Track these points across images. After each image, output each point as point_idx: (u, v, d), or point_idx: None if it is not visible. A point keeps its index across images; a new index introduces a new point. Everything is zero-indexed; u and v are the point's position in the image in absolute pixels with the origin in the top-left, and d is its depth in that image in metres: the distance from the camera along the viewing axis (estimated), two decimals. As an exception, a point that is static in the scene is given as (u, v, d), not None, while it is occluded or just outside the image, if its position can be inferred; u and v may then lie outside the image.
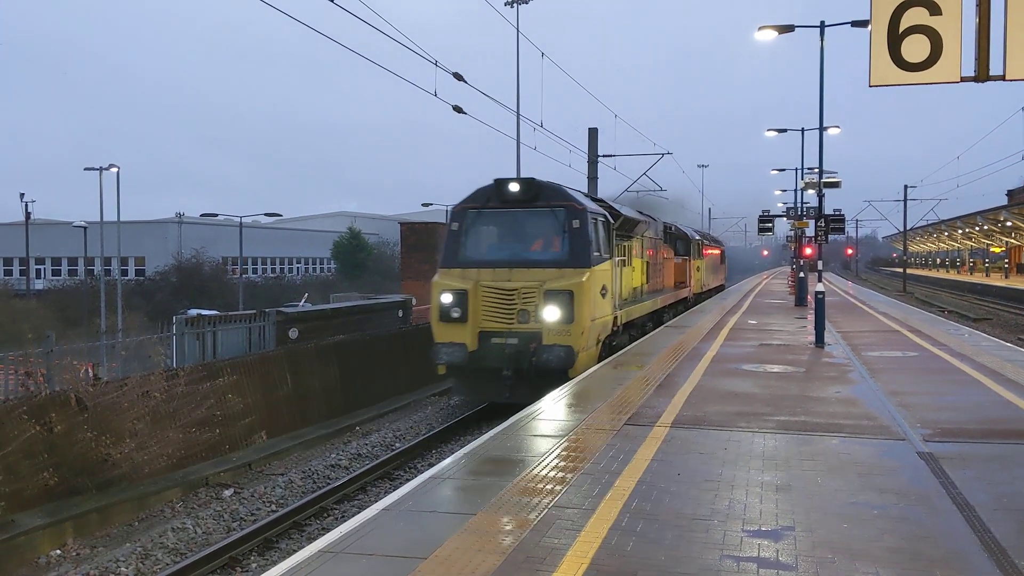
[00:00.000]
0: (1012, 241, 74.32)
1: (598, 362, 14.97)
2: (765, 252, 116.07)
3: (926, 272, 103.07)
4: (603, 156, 32.45)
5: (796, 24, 20.69)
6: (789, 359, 15.23)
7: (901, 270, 77.58)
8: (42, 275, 70.36)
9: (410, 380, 20.10)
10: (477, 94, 20.99)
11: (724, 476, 7.19)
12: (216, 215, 58.29)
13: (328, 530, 8.67)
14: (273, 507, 11.48)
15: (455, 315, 14.78)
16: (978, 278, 73.66)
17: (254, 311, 19.36)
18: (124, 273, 55.20)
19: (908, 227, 74.09)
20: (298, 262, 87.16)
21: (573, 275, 14.61)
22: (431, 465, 11.31)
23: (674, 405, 10.40)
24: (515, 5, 30.75)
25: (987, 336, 20.99)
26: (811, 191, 23.12)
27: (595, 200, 17.52)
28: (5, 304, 43.10)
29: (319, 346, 17.50)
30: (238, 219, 53.20)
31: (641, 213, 23.22)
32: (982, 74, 6.86)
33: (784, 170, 45.23)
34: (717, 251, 46.66)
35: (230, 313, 20.32)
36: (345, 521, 6.22)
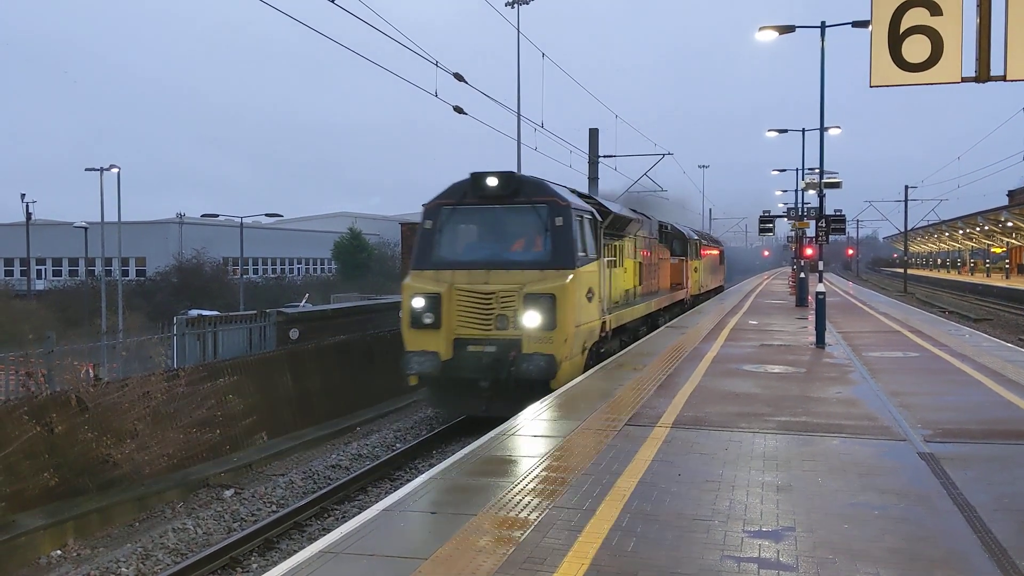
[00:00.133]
0: (1013, 241, 74.30)
1: (584, 371, 13.87)
2: (766, 252, 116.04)
3: (927, 272, 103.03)
4: (604, 156, 32.45)
5: (797, 24, 20.70)
6: (790, 359, 15.23)
7: (902, 270, 77.58)
8: (43, 275, 70.37)
9: (411, 380, 20.07)
10: (478, 94, 21.00)
11: (725, 476, 7.19)
12: (217, 215, 58.29)
13: (329, 530, 8.67)
14: (274, 507, 11.48)
15: (427, 321, 13.54)
16: (979, 278, 73.62)
17: (255, 311, 19.37)
18: (125, 273, 55.20)
19: (909, 227, 74.08)
20: (299, 262, 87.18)
21: (556, 277, 13.44)
22: (431, 466, 11.31)
23: (675, 405, 10.40)
24: (515, 5, 30.76)
25: (988, 336, 20.99)
26: (812, 191, 23.14)
27: (582, 196, 16.41)
28: (6, 304, 43.12)
29: (320, 346, 17.50)
30: (239, 219, 53.20)
31: (634, 211, 22.13)
32: (983, 74, 6.86)
33: (785, 170, 45.27)
34: (716, 251, 45.55)
35: (231, 314, 20.33)
36: (346, 521, 6.22)
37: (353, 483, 12.09)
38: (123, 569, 9.32)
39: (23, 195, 55.97)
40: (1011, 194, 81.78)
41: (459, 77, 19.68)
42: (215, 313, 24.16)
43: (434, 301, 13.56)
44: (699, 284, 34.66)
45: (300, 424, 15.72)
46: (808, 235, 29.13)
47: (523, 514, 6.12)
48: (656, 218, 26.09)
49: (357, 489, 12.02)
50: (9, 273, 70.91)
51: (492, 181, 14.11)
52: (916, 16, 6.80)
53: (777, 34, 20.93)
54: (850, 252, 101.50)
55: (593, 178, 31.87)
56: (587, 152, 31.93)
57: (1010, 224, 62.38)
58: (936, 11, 6.75)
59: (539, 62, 26.88)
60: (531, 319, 13.20)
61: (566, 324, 13.25)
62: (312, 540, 9.30)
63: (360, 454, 14.39)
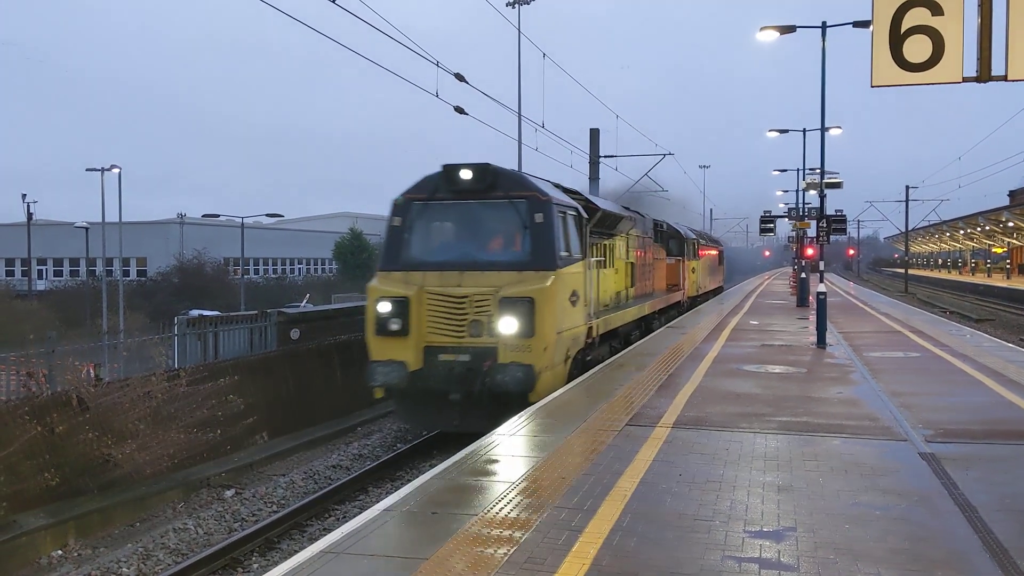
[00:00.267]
0: (1014, 242, 74.29)
1: (568, 381, 12.91)
2: (767, 253, 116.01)
3: (928, 273, 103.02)
4: (605, 157, 32.46)
5: (798, 25, 20.69)
6: (791, 360, 15.22)
7: (903, 271, 77.56)
8: (44, 276, 70.42)
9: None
10: (479, 95, 21.00)
11: (726, 477, 7.18)
12: (217, 216, 58.34)
13: (330, 530, 8.67)
14: (275, 507, 11.48)
15: (394, 327, 12.34)
16: (980, 279, 73.60)
17: (256, 312, 19.37)
18: (126, 274, 55.22)
19: (910, 228, 74.08)
20: (300, 263, 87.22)
21: (535, 279, 12.24)
22: (432, 466, 11.29)
23: (676, 406, 10.40)
24: (516, 5, 30.78)
25: (989, 337, 20.98)
26: (813, 192, 23.13)
27: (568, 192, 15.24)
28: (7, 305, 43.14)
29: (321, 347, 17.50)
30: (239, 220, 53.23)
31: (627, 209, 21.08)
32: (984, 74, 6.86)
33: (786, 171, 45.26)
34: (715, 251, 44.40)
35: (232, 314, 20.33)
36: (347, 522, 6.22)
37: (354, 483, 12.09)
38: (124, 569, 9.32)
39: (24, 195, 56.11)
40: (1012, 194, 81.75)
41: (460, 77, 19.68)
42: (216, 313, 24.18)
43: (402, 306, 12.39)
44: (697, 285, 33.50)
45: (301, 424, 15.72)
46: (809, 235, 29.13)
47: (524, 514, 6.12)
48: (651, 216, 25.21)
49: (357, 489, 12.02)
50: (10, 273, 70.98)
51: (466, 174, 12.88)
52: (917, 16, 6.80)
53: (778, 34, 20.91)
54: (851, 252, 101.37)
55: (594, 178, 31.87)
56: (588, 152, 31.94)
57: (1011, 224, 62.38)
58: (937, 11, 6.75)
59: (540, 62, 26.89)
60: (507, 325, 12.01)
61: (546, 331, 12.08)
62: (313, 540, 9.30)
63: (361, 454, 14.39)
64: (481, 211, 13.16)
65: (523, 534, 5.70)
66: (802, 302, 31.56)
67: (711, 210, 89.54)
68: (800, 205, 37.54)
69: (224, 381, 13.80)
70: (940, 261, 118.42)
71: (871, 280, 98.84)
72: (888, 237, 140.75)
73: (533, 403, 10.73)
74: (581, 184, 28.82)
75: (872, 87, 7.03)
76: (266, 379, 15.25)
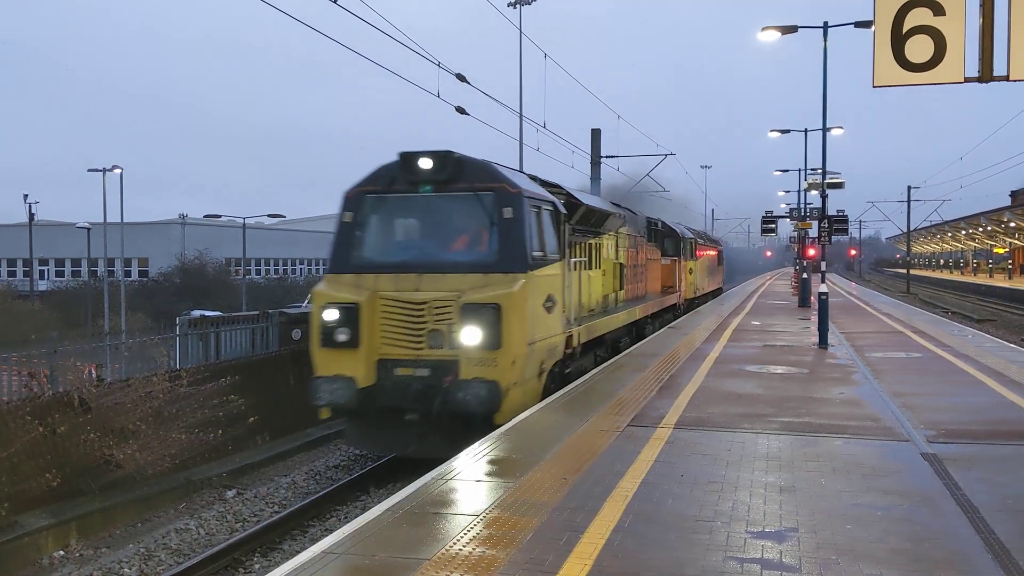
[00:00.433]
0: (1015, 242, 74.24)
1: (544, 397, 11.54)
2: (768, 253, 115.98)
3: (929, 273, 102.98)
4: (606, 157, 32.47)
5: (799, 25, 20.69)
6: (792, 360, 15.22)
7: (904, 271, 77.53)
8: (45, 276, 70.49)
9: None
10: (480, 95, 21.00)
11: (727, 477, 7.18)
12: (219, 216, 58.39)
13: (331, 531, 8.67)
14: (276, 508, 11.48)
15: (342, 338, 10.91)
16: (982, 279, 73.55)
17: (257, 312, 19.37)
18: (127, 274, 55.27)
19: (911, 228, 74.04)
20: (301, 263, 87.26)
21: (502, 283, 10.81)
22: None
23: (677, 406, 10.40)
24: (518, 6, 30.78)
25: (991, 337, 20.98)
26: (814, 192, 23.13)
27: (546, 185, 13.78)
28: (8, 305, 43.17)
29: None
30: (241, 220, 53.27)
31: (617, 205, 19.82)
32: (986, 75, 6.85)
33: (787, 171, 45.25)
34: (714, 252, 43.05)
35: (233, 314, 20.33)
36: (348, 522, 6.23)
37: (355, 483, 12.08)
38: (126, 570, 9.33)
39: (26, 196, 56.18)
40: (1014, 194, 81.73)
41: (461, 78, 19.68)
42: (218, 314, 24.19)
43: (351, 313, 10.94)
44: (694, 287, 32.21)
45: (303, 424, 15.72)
46: (811, 235, 29.12)
47: (525, 514, 6.12)
48: (644, 214, 24.07)
49: (359, 490, 12.02)
50: (12, 274, 71.08)
51: (426, 163, 11.41)
52: (919, 16, 6.80)
53: (780, 34, 20.92)
54: (852, 253, 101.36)
55: (595, 178, 31.88)
56: (589, 152, 31.94)
57: (1013, 224, 62.35)
58: (939, 11, 6.74)
59: (541, 62, 26.90)
60: (469, 336, 10.55)
61: (514, 342, 10.62)
62: (315, 541, 9.30)
63: (363, 454, 14.39)
64: (443, 205, 11.72)
65: (525, 534, 5.70)
66: (804, 302, 31.55)
67: (713, 210, 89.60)
68: (802, 205, 37.56)
69: (226, 381, 13.81)
70: (942, 261, 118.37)
71: (873, 280, 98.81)
72: (890, 237, 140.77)
73: (500, 425, 9.59)
74: (583, 184, 28.84)
75: (874, 87, 7.02)
76: (268, 379, 15.26)
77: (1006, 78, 6.80)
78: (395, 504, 6.45)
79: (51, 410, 10.83)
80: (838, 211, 22.19)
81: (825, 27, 20.66)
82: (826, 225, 20.41)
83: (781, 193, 57.93)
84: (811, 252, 27.70)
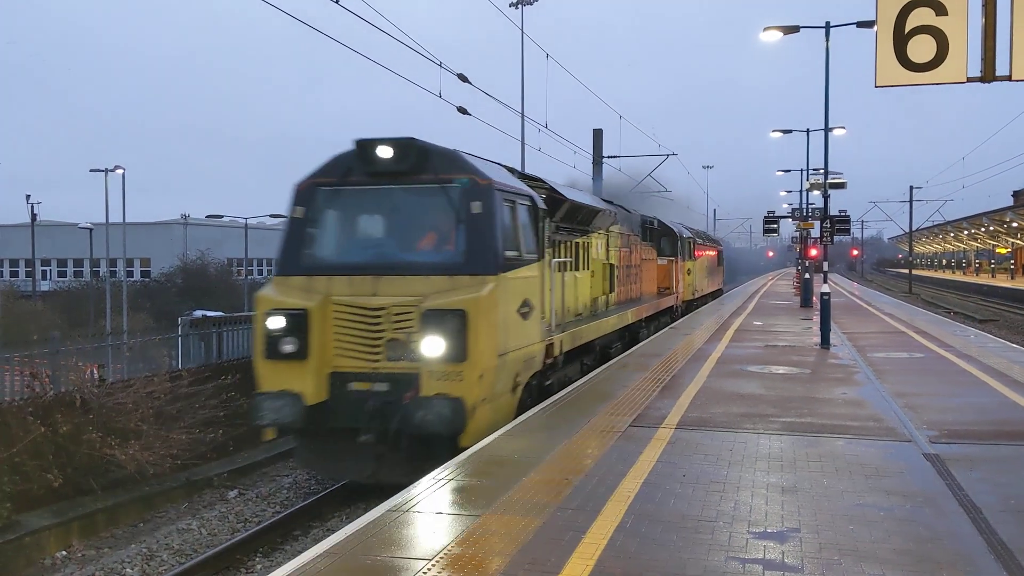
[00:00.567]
0: (1017, 242, 74.17)
1: (520, 413, 10.41)
2: (770, 253, 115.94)
3: (932, 273, 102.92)
4: (608, 157, 32.51)
5: (801, 25, 20.69)
6: (795, 360, 15.21)
7: (907, 271, 77.49)
8: (48, 276, 70.61)
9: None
10: (482, 95, 20.99)
11: (730, 478, 7.18)
12: (221, 216, 58.44)
13: (333, 531, 8.67)
14: (278, 508, 11.48)
15: (288, 349, 9.72)
16: (984, 279, 73.49)
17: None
18: (129, 274, 55.35)
19: (914, 228, 74.00)
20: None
21: (469, 286, 9.67)
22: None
23: (679, 407, 10.39)
24: (519, 6, 30.78)
25: (993, 337, 20.95)
26: (816, 192, 23.14)
27: (526, 178, 12.57)
28: (11, 305, 43.23)
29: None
30: (243, 220, 53.31)
31: (608, 202, 18.76)
32: (988, 74, 6.84)
33: (789, 171, 45.27)
34: (713, 252, 41.96)
35: (235, 314, 20.32)
36: (350, 522, 6.23)
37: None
38: (128, 570, 9.33)
39: (28, 196, 56.25)
40: (1016, 194, 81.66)
41: (463, 78, 19.68)
42: (220, 314, 24.21)
43: (299, 321, 9.78)
44: (693, 288, 31.14)
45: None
46: (813, 236, 29.11)
47: (527, 515, 6.12)
48: (639, 212, 23.06)
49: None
50: (15, 274, 71.20)
51: (385, 152, 10.24)
52: (921, 16, 6.79)
53: (782, 34, 20.93)
54: (855, 253, 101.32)
55: (597, 179, 31.90)
56: (591, 153, 31.95)
57: (1015, 224, 62.29)
58: (941, 11, 6.74)
59: (543, 63, 26.90)
60: (431, 347, 9.37)
61: (482, 353, 9.45)
62: (317, 541, 9.30)
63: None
64: (404, 199, 10.54)
65: (527, 535, 5.70)
66: (806, 303, 31.53)
67: (715, 210, 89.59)
68: (804, 205, 37.56)
69: (227, 381, 13.81)
70: (944, 261, 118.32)
71: (875, 281, 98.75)
72: (892, 237, 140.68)
73: (466, 448, 8.61)
74: (585, 184, 28.82)
75: (876, 87, 7.02)
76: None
77: (1008, 78, 6.79)
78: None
79: (53, 410, 10.84)
80: (840, 211, 22.27)
81: (827, 27, 20.67)
82: (828, 225, 20.43)
83: (783, 193, 57.99)
84: (813, 252, 27.70)
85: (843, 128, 34.64)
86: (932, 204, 79.89)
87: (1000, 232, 71.20)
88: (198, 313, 25.75)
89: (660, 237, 25.31)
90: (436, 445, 9.29)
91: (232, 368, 14.45)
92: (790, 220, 37.08)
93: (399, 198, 10.57)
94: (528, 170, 22.52)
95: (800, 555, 5.35)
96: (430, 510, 6.35)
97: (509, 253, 10.35)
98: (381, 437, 9.58)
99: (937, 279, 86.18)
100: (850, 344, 18.12)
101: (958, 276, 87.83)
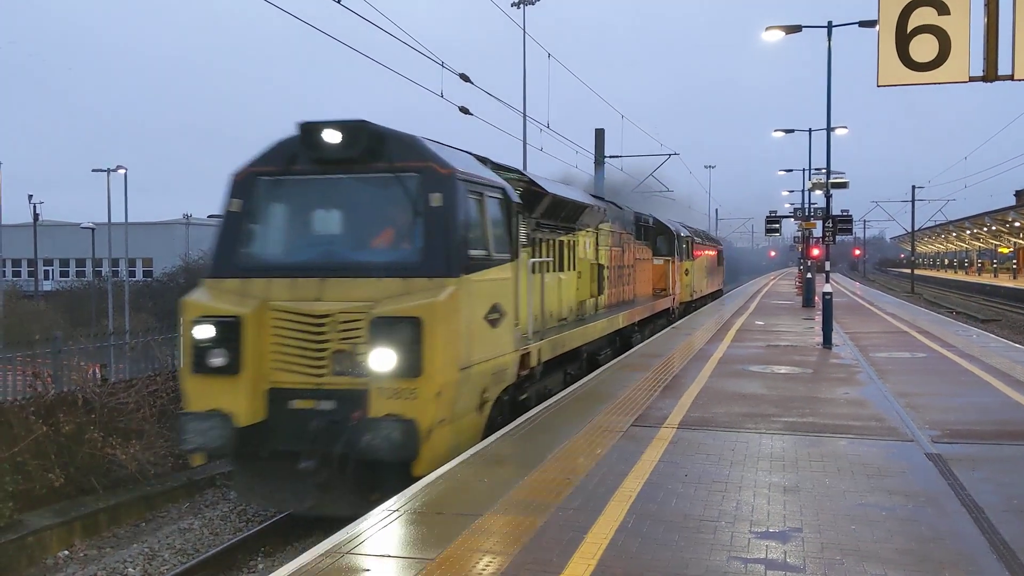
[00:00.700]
0: (1020, 242, 74.08)
1: (489, 433, 9.27)
2: (772, 253, 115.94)
3: (934, 273, 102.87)
4: (610, 157, 32.49)
5: (803, 24, 20.67)
6: (797, 360, 15.20)
7: (909, 271, 77.45)
8: (50, 276, 70.69)
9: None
10: (483, 95, 20.99)
11: (731, 477, 7.17)
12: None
13: (335, 530, 8.68)
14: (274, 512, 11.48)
15: (218, 362, 8.53)
16: (986, 279, 73.43)
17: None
18: (131, 274, 55.38)
19: (916, 228, 73.96)
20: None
21: (425, 290, 8.41)
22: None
23: (681, 406, 10.39)
24: (521, 6, 30.78)
25: (995, 337, 20.93)
26: (819, 192, 23.14)
27: (500, 169, 11.36)
28: (14, 305, 43.30)
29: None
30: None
31: (598, 198, 17.64)
32: (991, 74, 6.84)
33: (791, 171, 45.21)
34: (713, 251, 40.71)
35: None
36: (352, 522, 6.23)
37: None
38: (130, 570, 9.34)
39: (30, 196, 56.33)
40: (1018, 194, 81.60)
41: (465, 78, 19.68)
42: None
43: (231, 329, 8.55)
44: (691, 289, 30.00)
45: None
46: (815, 235, 29.10)
47: (529, 515, 6.12)
48: (632, 209, 21.88)
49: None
50: (17, 274, 71.22)
51: (333, 136, 9.03)
52: (924, 15, 6.79)
53: (784, 34, 20.92)
54: (857, 252, 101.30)
55: (599, 178, 31.89)
56: (593, 153, 31.95)
57: (1017, 224, 62.23)
58: (944, 10, 6.73)
59: (545, 62, 26.90)
60: (380, 360, 8.13)
61: (439, 367, 8.22)
62: (319, 540, 9.31)
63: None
64: (354, 190, 9.33)
65: (528, 534, 5.70)
66: (808, 302, 31.53)
67: (717, 210, 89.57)
68: (806, 205, 37.54)
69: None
70: (946, 261, 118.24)
71: (877, 280, 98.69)
72: (894, 237, 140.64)
73: (420, 476, 7.55)
74: (579, 180, 28.82)
75: (878, 87, 7.01)
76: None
77: (1011, 77, 6.78)
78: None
79: (55, 410, 10.85)
80: (842, 211, 22.28)
81: (829, 27, 20.65)
82: (830, 225, 20.41)
83: (785, 193, 58.03)
84: (815, 252, 27.70)
85: (845, 128, 34.62)
86: (934, 204, 79.93)
87: (1002, 232, 71.11)
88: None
89: (656, 236, 24.35)
90: (386, 473, 8.22)
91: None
92: (792, 220, 37.09)
93: (348, 189, 9.34)
94: (530, 170, 22.46)
95: (802, 555, 5.35)
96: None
97: (475, 252, 9.12)
98: (324, 463, 8.36)
99: (939, 279, 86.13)
100: (852, 344, 18.11)
101: (960, 276, 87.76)
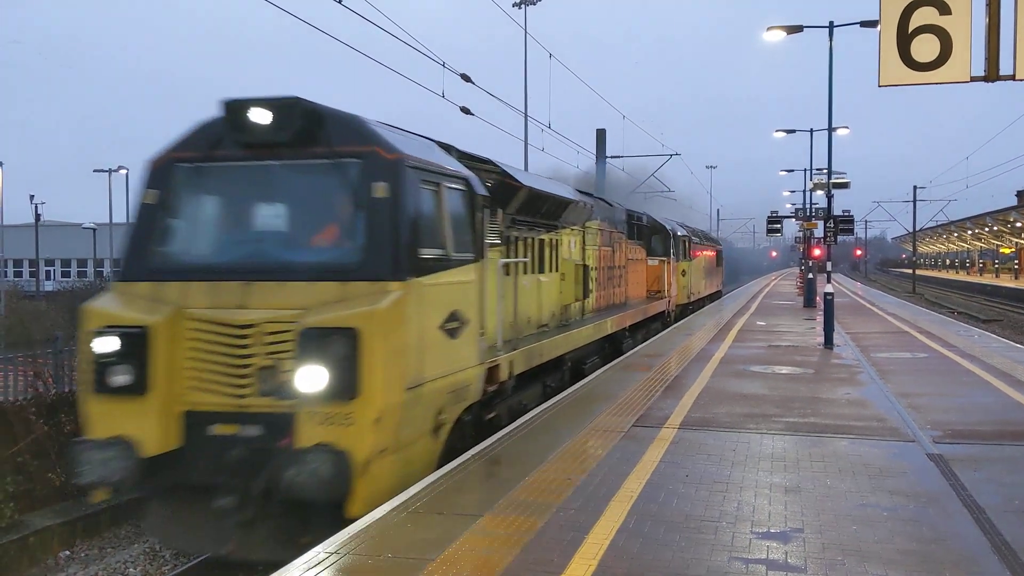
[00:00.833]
0: (1021, 242, 74.04)
1: (448, 460, 7.98)
2: (774, 253, 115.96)
3: (935, 273, 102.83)
4: (611, 157, 32.51)
5: (805, 24, 20.67)
6: (798, 360, 15.20)
7: (910, 271, 77.41)
8: (51, 276, 70.72)
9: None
10: (484, 95, 21.00)
11: (733, 478, 7.17)
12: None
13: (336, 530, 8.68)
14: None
15: (122, 381, 7.25)
16: (988, 279, 73.39)
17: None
18: (133, 274, 55.33)
19: (917, 228, 73.92)
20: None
21: (365, 296, 7.16)
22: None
23: (682, 407, 10.38)
24: (523, 6, 30.79)
25: (997, 338, 20.91)
26: (820, 192, 23.12)
27: (467, 158, 10.01)
28: (15, 305, 43.30)
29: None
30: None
31: (585, 193, 16.20)
32: (992, 74, 6.83)
33: (793, 171, 45.26)
34: (712, 252, 39.48)
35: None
36: (353, 521, 6.23)
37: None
38: (130, 570, 9.34)
39: (32, 196, 56.38)
40: (1020, 194, 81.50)
41: (466, 78, 19.69)
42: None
43: (137, 342, 7.27)
44: (688, 291, 28.88)
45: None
46: (816, 236, 29.09)
47: (530, 515, 6.11)
48: (623, 206, 20.54)
49: None
50: (18, 274, 71.25)
51: (260, 116, 7.71)
52: (925, 15, 6.78)
53: (785, 34, 20.92)
54: (858, 253, 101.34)
55: (600, 178, 31.90)
56: (594, 153, 31.96)
57: (1019, 224, 62.18)
58: (945, 10, 6.73)
59: (546, 63, 26.90)
60: (310, 379, 6.87)
61: (380, 387, 6.93)
62: (320, 540, 9.30)
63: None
64: (286, 178, 8.01)
65: (529, 535, 5.70)
66: (809, 303, 31.52)
67: (718, 210, 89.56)
68: (807, 205, 37.54)
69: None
70: (948, 261, 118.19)
71: (878, 280, 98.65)
72: (896, 237, 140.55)
73: (357, 518, 6.42)
74: (587, 185, 28.82)
75: (880, 87, 7.01)
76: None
77: (1012, 77, 6.78)
78: None
79: (57, 410, 10.86)
80: (843, 211, 22.25)
81: (831, 27, 20.65)
82: (831, 225, 20.40)
83: (786, 193, 58.01)
84: (816, 252, 27.69)
85: (847, 128, 34.61)
86: (936, 204, 79.84)
87: (1004, 232, 71.07)
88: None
89: (650, 235, 23.18)
90: (316, 513, 6.99)
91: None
92: (793, 220, 37.06)
93: (280, 178, 8.02)
94: (531, 171, 22.39)
95: (803, 555, 5.34)
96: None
97: (428, 252, 7.85)
98: (246, 500, 7.13)
99: (941, 279, 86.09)
100: (853, 344, 18.10)
101: (962, 276, 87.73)
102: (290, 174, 7.98)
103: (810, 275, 32.88)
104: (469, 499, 6.58)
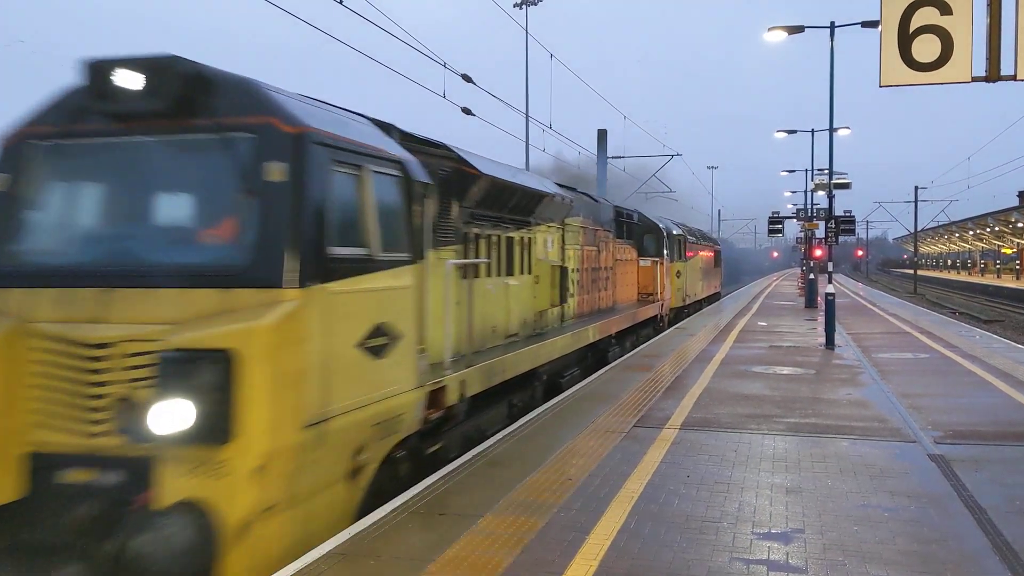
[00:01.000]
0: (1023, 242, 73.99)
1: (374, 507, 6.46)
2: (775, 254, 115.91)
3: (937, 274, 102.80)
4: (612, 158, 32.50)
5: (806, 25, 20.67)
6: (799, 361, 15.19)
7: (912, 271, 77.39)
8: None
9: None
10: (486, 96, 21.00)
11: (734, 478, 7.17)
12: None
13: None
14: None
15: None
16: (989, 279, 73.39)
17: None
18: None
19: (919, 228, 73.91)
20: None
21: (250, 308, 5.56)
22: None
23: (683, 407, 10.38)
24: (524, 7, 30.79)
25: (998, 338, 20.90)
26: (821, 192, 23.11)
27: (415, 140, 8.60)
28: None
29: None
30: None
31: (564, 187, 14.67)
32: (993, 74, 6.84)
33: (794, 171, 45.25)
34: (710, 252, 37.60)
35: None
36: (354, 522, 6.22)
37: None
38: (132, 570, 9.33)
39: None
40: (1021, 195, 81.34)
41: (467, 78, 19.70)
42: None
43: None
44: (683, 294, 27.01)
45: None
46: (817, 236, 29.09)
47: (531, 515, 6.11)
48: (611, 202, 19.40)
49: None
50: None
51: (129, 80, 5.98)
52: (926, 16, 6.79)
53: (786, 34, 20.91)
54: (859, 253, 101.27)
55: (602, 178, 31.90)
56: (596, 153, 31.95)
57: (1020, 225, 62.14)
58: (946, 11, 6.74)
59: (547, 63, 26.90)
60: (171, 416, 5.26)
61: (264, 426, 5.33)
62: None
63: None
64: (161, 158, 6.33)
65: (530, 535, 5.70)
66: (810, 303, 31.52)
67: (719, 211, 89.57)
68: (808, 206, 37.54)
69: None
70: (949, 262, 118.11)
71: (880, 281, 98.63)
72: (897, 238, 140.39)
73: None
74: (587, 185, 28.81)
75: (881, 87, 7.01)
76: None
77: (1013, 77, 6.79)
78: None
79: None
80: (845, 211, 22.24)
81: (832, 27, 20.65)
82: (833, 226, 20.40)
83: (788, 193, 57.99)
84: (818, 253, 27.69)
85: (848, 128, 34.60)
86: (937, 204, 79.72)
87: (1005, 232, 71.04)
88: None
89: (642, 234, 21.80)
90: None
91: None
92: (795, 220, 37.05)
93: (153, 157, 6.36)
94: (532, 171, 22.34)
95: (804, 556, 5.34)
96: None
97: (342, 250, 6.22)
98: (95, 569, 5.40)
99: (942, 279, 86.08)
100: (855, 345, 18.09)
101: (963, 277, 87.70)
102: (165, 153, 6.31)
103: (811, 275, 32.88)
104: (470, 499, 6.57)
